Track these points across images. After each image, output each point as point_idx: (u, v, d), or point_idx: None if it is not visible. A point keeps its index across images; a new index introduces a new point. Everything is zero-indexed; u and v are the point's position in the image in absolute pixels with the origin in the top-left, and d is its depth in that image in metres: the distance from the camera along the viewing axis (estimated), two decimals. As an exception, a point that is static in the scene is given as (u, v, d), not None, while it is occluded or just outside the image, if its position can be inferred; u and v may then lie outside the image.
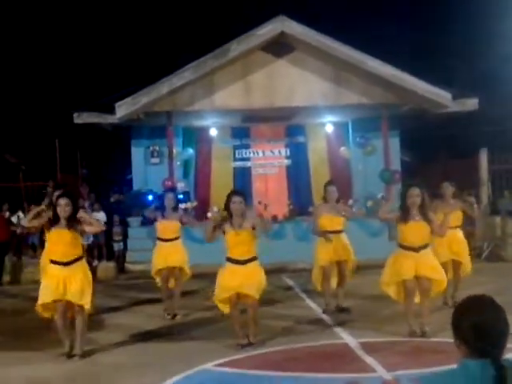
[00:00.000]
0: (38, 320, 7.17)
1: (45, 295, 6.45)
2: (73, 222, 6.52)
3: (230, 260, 6.65)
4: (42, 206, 7.41)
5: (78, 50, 24.65)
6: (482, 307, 2.10)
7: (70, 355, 6.54)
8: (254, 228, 6.60)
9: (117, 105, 13.67)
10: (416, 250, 6.78)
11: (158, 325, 8.17)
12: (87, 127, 15.30)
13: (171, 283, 8.77)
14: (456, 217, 8.48)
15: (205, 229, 6.78)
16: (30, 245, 14.13)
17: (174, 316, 8.50)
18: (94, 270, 11.58)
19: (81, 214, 6.85)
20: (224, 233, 6.63)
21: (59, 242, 6.50)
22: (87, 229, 6.73)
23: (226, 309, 6.80)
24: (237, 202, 6.59)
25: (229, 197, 6.71)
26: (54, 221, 6.51)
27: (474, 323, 2.05)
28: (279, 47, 13.96)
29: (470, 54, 21.67)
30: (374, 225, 13.44)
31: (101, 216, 13.89)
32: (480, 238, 14.42)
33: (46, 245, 7.22)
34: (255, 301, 6.63)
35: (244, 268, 6.55)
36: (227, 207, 6.64)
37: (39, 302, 6.49)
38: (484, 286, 9.02)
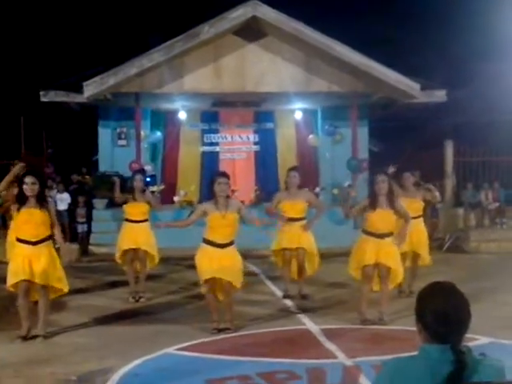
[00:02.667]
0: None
1: (12, 276, 6.37)
2: (42, 201, 6.42)
3: (209, 242, 6.55)
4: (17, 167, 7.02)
5: (47, 27, 24.14)
6: (444, 294, 2.13)
7: (25, 338, 6.44)
8: (238, 213, 6.59)
9: (84, 84, 13.46)
10: (380, 236, 6.87)
11: (121, 307, 8.12)
12: (54, 106, 15.05)
13: (136, 265, 8.70)
14: (417, 207, 8.58)
15: (186, 220, 6.68)
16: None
17: (139, 299, 8.45)
18: (56, 252, 11.45)
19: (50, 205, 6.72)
20: (205, 214, 6.57)
21: (29, 221, 6.37)
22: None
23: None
24: (222, 182, 6.52)
25: (213, 178, 6.66)
26: (21, 199, 6.38)
27: (436, 310, 2.08)
28: (251, 32, 13.90)
29: (440, 46, 21.89)
30: (339, 213, 13.48)
31: (65, 197, 13.74)
32: (442, 230, 14.66)
33: (13, 224, 7.05)
34: (233, 287, 6.61)
35: (223, 252, 6.49)
36: (211, 189, 6.58)
37: (8, 283, 6.41)
38: (442, 276, 9.16)
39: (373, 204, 6.90)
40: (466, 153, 15.09)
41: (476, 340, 5.61)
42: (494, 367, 2.10)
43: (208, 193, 6.78)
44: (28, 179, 6.36)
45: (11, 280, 6.38)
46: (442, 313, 2.07)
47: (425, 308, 2.13)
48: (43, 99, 14.19)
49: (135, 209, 8.59)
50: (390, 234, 6.94)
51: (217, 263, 6.44)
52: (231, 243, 6.60)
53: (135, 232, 8.54)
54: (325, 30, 13.78)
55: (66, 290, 6.71)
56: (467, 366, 2.00)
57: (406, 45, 21.98)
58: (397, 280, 7.16)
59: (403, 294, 8.39)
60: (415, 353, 2.16)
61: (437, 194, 9.26)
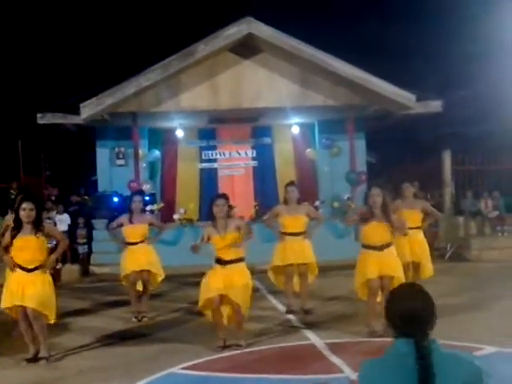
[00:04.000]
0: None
1: (4, 300, 6.37)
2: (38, 227, 6.37)
3: (217, 261, 6.64)
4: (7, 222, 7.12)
5: (42, 49, 24.28)
6: (408, 296, 2.31)
7: (32, 360, 6.41)
8: (239, 229, 6.62)
9: (81, 105, 13.51)
10: (379, 248, 6.88)
11: (123, 328, 8.09)
12: (51, 128, 15.09)
13: (139, 286, 8.67)
14: (416, 217, 8.60)
15: (195, 247, 6.67)
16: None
17: (142, 318, 8.42)
18: (58, 273, 11.43)
19: (47, 226, 6.67)
20: (209, 239, 6.61)
21: (24, 248, 6.34)
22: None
23: (208, 316, 6.76)
24: (220, 204, 6.59)
25: (212, 200, 6.73)
26: (18, 226, 6.36)
27: (401, 311, 2.27)
28: (246, 49, 13.98)
29: (434, 56, 22.00)
30: (340, 226, 13.54)
31: (64, 218, 13.71)
32: (443, 239, 14.65)
33: (11, 250, 7.03)
34: (239, 307, 6.60)
35: (229, 269, 6.53)
36: (210, 211, 6.63)
37: (3, 304, 6.40)
38: (445, 286, 9.16)
39: (367, 217, 6.92)
40: (464, 161, 15.13)
41: (481, 350, 5.57)
42: (464, 362, 2.23)
43: (207, 210, 6.81)
44: (25, 205, 6.32)
45: (4, 304, 6.39)
46: (405, 314, 2.26)
47: (390, 309, 2.32)
48: (40, 121, 14.22)
49: (134, 231, 8.52)
50: (388, 245, 6.95)
51: (226, 281, 6.47)
52: (239, 260, 6.64)
53: (137, 254, 8.49)
54: (319, 43, 13.87)
55: (51, 320, 6.55)
56: (429, 357, 2.16)
57: (399, 54, 22.13)
58: None
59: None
60: None
61: (437, 213, 9.29)
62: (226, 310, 6.77)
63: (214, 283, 6.50)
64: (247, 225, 7.06)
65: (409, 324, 2.23)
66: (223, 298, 6.58)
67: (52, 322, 6.59)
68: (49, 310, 6.46)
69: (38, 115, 14.14)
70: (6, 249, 6.46)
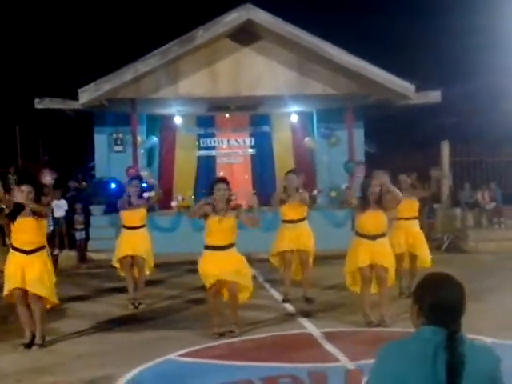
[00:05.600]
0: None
1: (7, 283, 6.43)
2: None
3: (209, 247, 6.63)
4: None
5: (40, 34, 24.12)
6: (445, 285, 2.28)
7: (28, 345, 6.44)
8: (237, 217, 6.64)
9: (80, 91, 13.44)
10: (372, 238, 6.91)
11: (121, 314, 8.10)
12: (49, 113, 15.02)
13: (135, 272, 8.68)
14: (413, 208, 8.62)
15: (195, 205, 6.72)
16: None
17: (138, 305, 8.43)
18: (55, 259, 11.42)
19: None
20: (205, 217, 6.61)
21: (23, 230, 6.42)
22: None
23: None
24: (221, 188, 6.62)
25: (213, 184, 6.74)
26: (18, 208, 6.40)
27: (436, 300, 2.24)
28: (246, 35, 13.89)
29: (434, 47, 21.94)
30: (338, 215, 13.55)
31: (62, 204, 13.69)
32: (440, 230, 14.67)
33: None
34: (241, 289, 6.66)
35: (223, 254, 6.55)
36: (211, 194, 6.64)
37: (5, 291, 6.46)
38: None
39: (363, 206, 6.97)
40: (463, 152, 15.11)
41: (477, 340, 5.60)
42: (488, 352, 2.24)
43: (205, 195, 6.83)
44: (24, 188, 6.39)
45: (6, 288, 6.45)
46: (437, 303, 2.22)
47: (421, 298, 2.28)
48: (38, 106, 14.13)
49: (132, 215, 8.55)
50: (382, 235, 6.99)
51: (220, 266, 6.48)
52: (231, 245, 6.64)
53: (132, 239, 8.52)
54: (317, 30, 13.80)
55: (55, 301, 6.69)
56: (457, 347, 2.13)
57: (400, 44, 22.05)
58: (392, 280, 7.18)
59: (403, 296, 8.40)
60: None
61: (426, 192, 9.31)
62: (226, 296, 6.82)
63: (211, 269, 6.52)
64: (252, 217, 7.00)
65: (442, 313, 2.21)
66: (222, 283, 6.60)
67: (55, 304, 6.65)
68: (50, 292, 6.51)
69: (36, 100, 14.06)
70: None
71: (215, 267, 6.48)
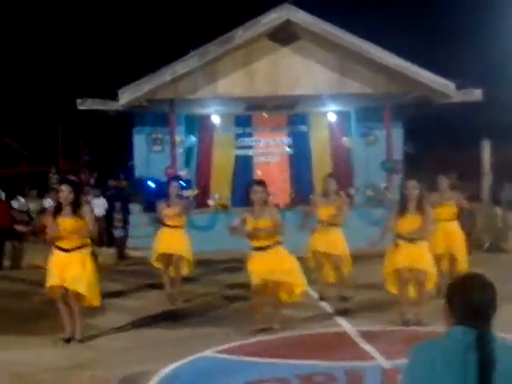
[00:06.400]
0: (37, 304, 7.20)
1: (48, 280, 6.59)
2: (76, 209, 6.54)
3: (253, 248, 6.73)
4: None
5: (82, 36, 24.58)
6: (478, 287, 2.28)
7: (68, 340, 6.57)
8: (272, 219, 6.68)
9: (120, 91, 13.64)
10: (411, 241, 6.86)
11: (159, 310, 8.19)
12: (90, 114, 15.27)
13: (171, 270, 8.80)
14: (451, 210, 8.51)
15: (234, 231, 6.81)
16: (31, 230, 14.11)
17: (175, 302, 8.53)
18: (95, 256, 11.61)
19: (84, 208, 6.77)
20: (245, 223, 6.70)
21: (63, 229, 6.53)
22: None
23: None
24: (258, 191, 6.69)
25: (250, 186, 6.84)
26: (59, 208, 6.57)
27: (469, 301, 2.25)
28: (284, 35, 13.89)
29: (475, 45, 21.57)
30: (374, 213, 13.45)
31: (101, 202, 13.92)
32: (481, 230, 14.42)
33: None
34: (282, 287, 6.73)
35: (270, 253, 6.62)
36: (247, 196, 6.76)
37: (46, 286, 6.63)
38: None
39: (403, 209, 6.92)
40: (503, 151, 14.84)
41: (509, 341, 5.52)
42: None
43: (241, 196, 6.91)
44: (64, 187, 6.55)
45: (47, 284, 6.62)
46: (468, 304, 2.24)
47: (453, 297, 2.31)
48: (80, 107, 14.39)
49: (171, 214, 8.73)
50: (421, 238, 6.93)
51: (269, 266, 6.56)
52: (276, 244, 6.70)
53: (170, 237, 8.68)
54: (355, 27, 13.71)
55: (95, 303, 6.78)
56: (487, 347, 2.14)
57: (439, 42, 21.77)
58: (432, 282, 7.12)
59: (441, 296, 8.28)
60: None
61: (468, 205, 9.16)
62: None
63: (257, 269, 6.60)
64: (280, 221, 7.02)
65: (473, 314, 2.23)
66: (268, 283, 6.64)
67: (97, 304, 6.78)
68: (90, 291, 6.60)
69: (78, 101, 14.32)
70: (43, 229, 6.69)
71: (264, 267, 6.56)
